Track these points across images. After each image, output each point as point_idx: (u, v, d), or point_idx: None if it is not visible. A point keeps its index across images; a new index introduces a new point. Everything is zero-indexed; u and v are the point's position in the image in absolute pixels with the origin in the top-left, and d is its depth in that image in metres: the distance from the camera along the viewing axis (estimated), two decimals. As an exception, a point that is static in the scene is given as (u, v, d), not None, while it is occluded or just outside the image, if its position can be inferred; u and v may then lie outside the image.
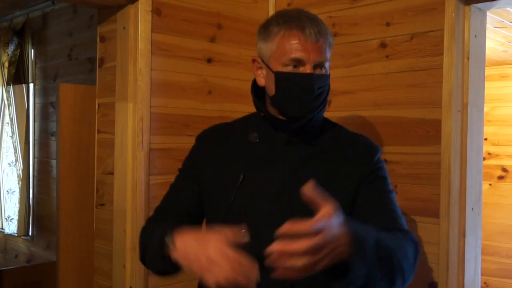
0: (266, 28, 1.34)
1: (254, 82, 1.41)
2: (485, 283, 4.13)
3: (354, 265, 0.98)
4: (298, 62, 1.28)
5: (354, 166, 1.34)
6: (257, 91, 1.41)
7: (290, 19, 1.29)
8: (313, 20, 1.30)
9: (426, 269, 1.87)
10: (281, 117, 1.35)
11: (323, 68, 1.31)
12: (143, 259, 1.36)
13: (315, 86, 1.29)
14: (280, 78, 1.29)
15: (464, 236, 1.85)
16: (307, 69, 1.28)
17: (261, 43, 1.35)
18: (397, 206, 1.36)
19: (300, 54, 1.27)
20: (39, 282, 3.48)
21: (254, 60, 1.39)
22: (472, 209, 1.88)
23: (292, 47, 1.27)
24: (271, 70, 1.32)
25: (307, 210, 1.05)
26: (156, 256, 1.22)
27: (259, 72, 1.38)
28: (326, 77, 1.32)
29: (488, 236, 4.06)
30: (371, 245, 1.03)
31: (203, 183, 1.40)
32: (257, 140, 1.36)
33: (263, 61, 1.35)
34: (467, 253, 1.85)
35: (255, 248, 1.20)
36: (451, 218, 1.82)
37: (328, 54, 1.32)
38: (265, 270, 1.10)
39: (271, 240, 1.10)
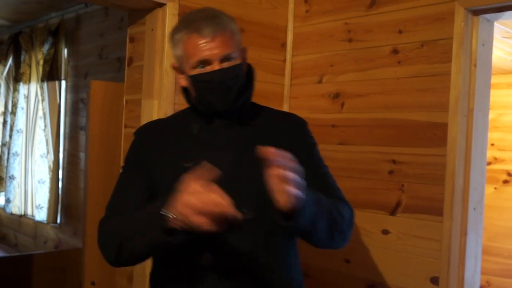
0: (172, 37, 1.39)
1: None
2: (487, 282, 4.19)
3: (303, 205, 1.12)
4: (204, 63, 1.33)
5: (290, 138, 1.44)
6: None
7: (189, 23, 1.34)
8: (209, 19, 1.33)
9: (428, 264, 1.96)
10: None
11: (231, 59, 1.35)
12: (120, 252, 1.27)
13: (226, 78, 1.34)
14: (194, 80, 1.36)
15: (465, 234, 1.93)
16: (214, 66, 1.33)
17: (174, 50, 1.41)
18: (334, 179, 1.49)
19: (203, 54, 1.32)
20: (65, 266, 3.69)
21: (174, 67, 1.45)
22: (474, 208, 1.96)
23: (195, 49, 1.32)
24: (187, 74, 1.38)
25: (262, 186, 1.17)
26: (152, 238, 1.18)
27: (180, 76, 1.44)
28: (235, 66, 1.36)
29: (492, 237, 4.13)
30: (313, 198, 1.20)
31: (154, 176, 1.39)
32: (199, 130, 1.41)
33: (180, 66, 1.41)
34: (467, 251, 1.93)
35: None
36: (454, 217, 1.90)
37: (234, 43, 1.34)
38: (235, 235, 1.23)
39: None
